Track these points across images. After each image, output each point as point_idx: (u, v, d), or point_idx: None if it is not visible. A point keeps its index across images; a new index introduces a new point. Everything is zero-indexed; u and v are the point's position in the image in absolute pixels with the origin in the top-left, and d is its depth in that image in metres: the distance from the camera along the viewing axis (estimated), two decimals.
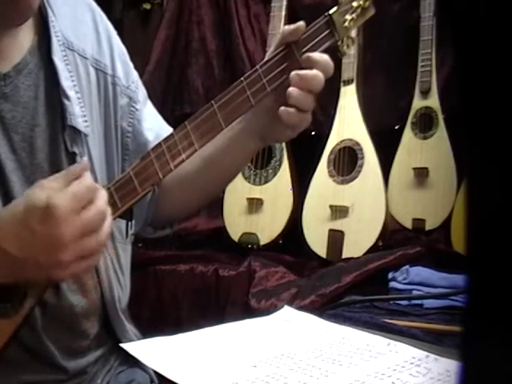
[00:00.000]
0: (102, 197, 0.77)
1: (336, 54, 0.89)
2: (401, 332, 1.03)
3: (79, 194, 0.74)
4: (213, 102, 0.88)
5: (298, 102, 0.86)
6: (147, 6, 2.41)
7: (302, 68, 0.87)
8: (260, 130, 0.94)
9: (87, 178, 0.77)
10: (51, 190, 0.74)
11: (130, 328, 1.02)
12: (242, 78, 0.88)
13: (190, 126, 0.88)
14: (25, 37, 0.90)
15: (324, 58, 0.87)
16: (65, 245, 0.73)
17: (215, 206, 2.04)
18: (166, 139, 0.88)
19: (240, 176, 1.93)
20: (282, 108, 0.87)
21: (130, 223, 0.97)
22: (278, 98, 0.89)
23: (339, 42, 0.88)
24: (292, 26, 0.87)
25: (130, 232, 0.99)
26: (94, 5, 1.02)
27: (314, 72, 0.86)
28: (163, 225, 1.10)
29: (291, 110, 0.87)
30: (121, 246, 0.99)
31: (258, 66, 0.88)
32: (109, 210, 0.78)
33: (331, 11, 0.87)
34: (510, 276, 0.26)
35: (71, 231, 0.73)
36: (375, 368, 0.64)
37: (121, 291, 0.99)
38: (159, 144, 0.88)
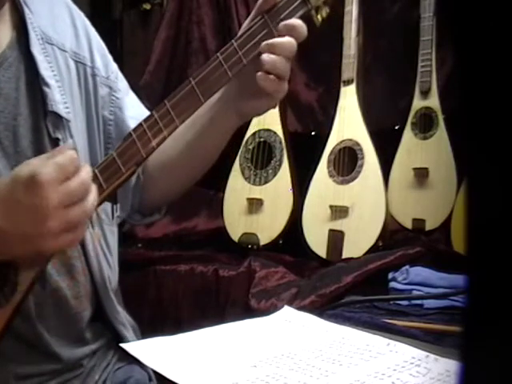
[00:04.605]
0: (86, 170, 0.78)
1: (312, 24, 0.90)
2: (401, 332, 1.03)
3: (63, 164, 0.75)
4: (190, 78, 0.89)
5: (272, 66, 0.87)
6: (147, 6, 2.41)
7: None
8: (238, 106, 0.95)
9: (71, 152, 0.78)
10: (35, 164, 0.75)
11: (123, 313, 1.03)
12: (218, 53, 0.89)
13: (170, 103, 0.89)
14: (3, 33, 0.93)
15: (298, 22, 0.88)
16: (50, 212, 0.74)
17: (215, 206, 2.04)
18: (147, 119, 0.89)
19: (240, 176, 1.93)
20: (260, 73, 0.88)
21: (115, 206, 1.00)
22: (255, 69, 0.90)
23: (312, 11, 0.89)
24: None
25: (116, 214, 1.02)
26: (70, 2, 1.05)
27: (284, 38, 0.87)
28: (151, 211, 1.12)
29: (268, 75, 0.88)
30: (108, 227, 1.02)
31: (233, 40, 0.90)
32: (93, 184, 0.79)
33: None
34: (510, 276, 0.26)
35: (56, 198, 0.74)
36: (375, 368, 0.64)
37: (110, 272, 1.01)
38: (140, 124, 0.89)
